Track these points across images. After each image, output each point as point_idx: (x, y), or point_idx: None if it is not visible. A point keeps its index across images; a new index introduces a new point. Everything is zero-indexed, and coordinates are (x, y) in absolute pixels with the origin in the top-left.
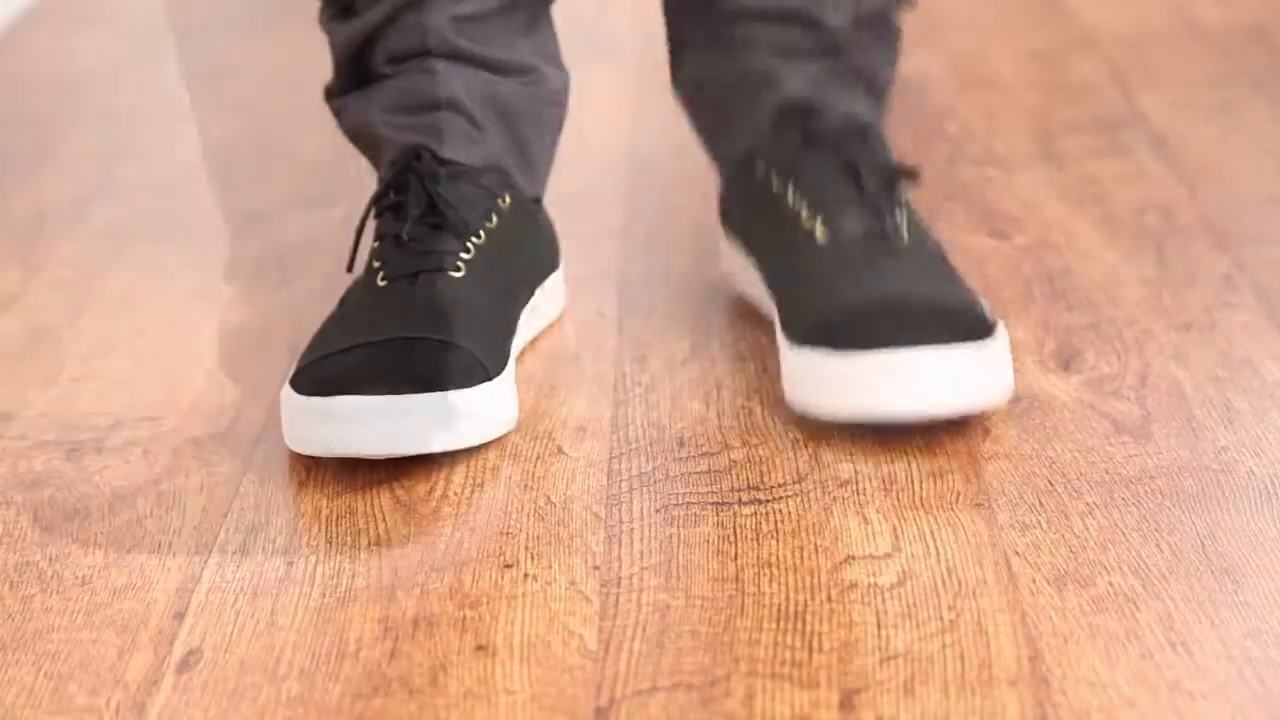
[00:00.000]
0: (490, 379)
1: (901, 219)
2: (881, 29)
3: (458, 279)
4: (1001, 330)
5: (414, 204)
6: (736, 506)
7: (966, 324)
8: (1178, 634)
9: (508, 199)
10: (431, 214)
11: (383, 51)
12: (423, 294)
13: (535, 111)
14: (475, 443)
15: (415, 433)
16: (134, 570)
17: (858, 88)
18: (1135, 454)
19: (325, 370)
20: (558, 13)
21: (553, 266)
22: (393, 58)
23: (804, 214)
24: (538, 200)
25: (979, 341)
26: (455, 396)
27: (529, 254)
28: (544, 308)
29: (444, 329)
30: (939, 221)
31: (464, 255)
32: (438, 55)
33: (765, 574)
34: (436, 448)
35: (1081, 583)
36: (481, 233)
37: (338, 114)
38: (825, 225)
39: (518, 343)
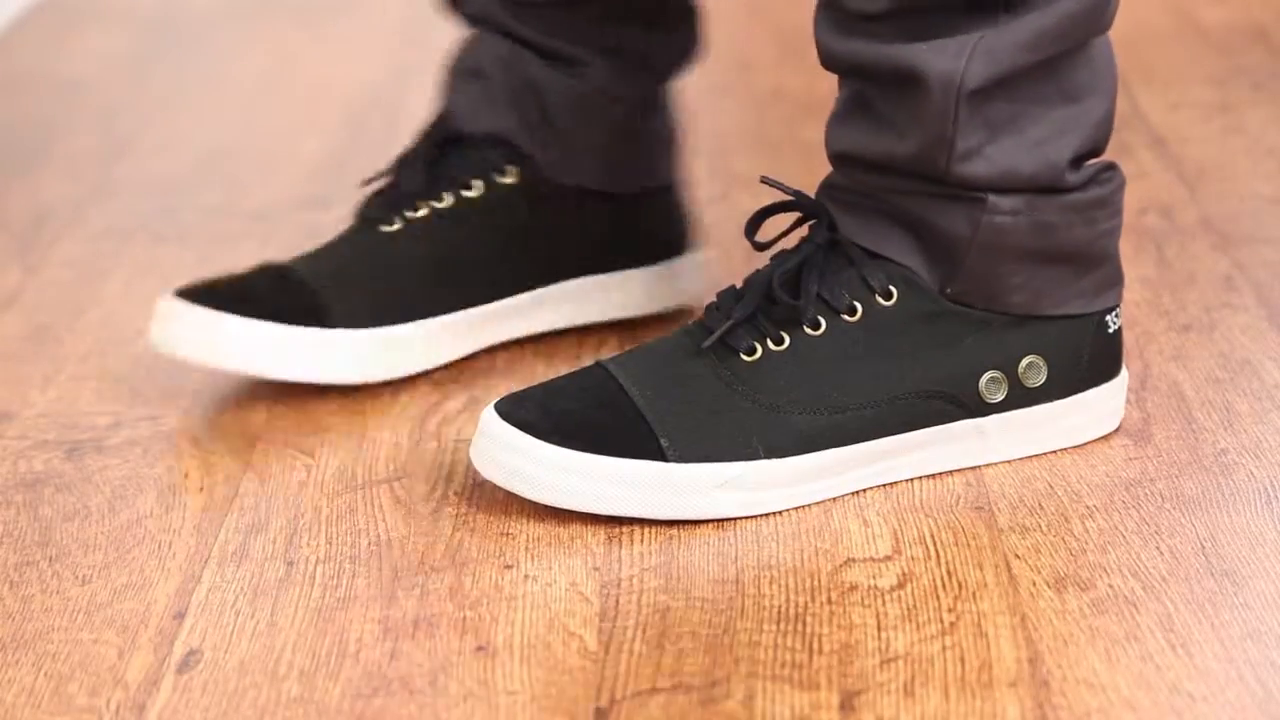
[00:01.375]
0: (325, 326)
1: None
2: None
3: (388, 232)
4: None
5: (411, 160)
6: None
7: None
8: (1177, 636)
9: (511, 175)
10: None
11: (459, 12)
12: (347, 236)
13: (571, 100)
14: (265, 374)
15: (212, 345)
16: (134, 570)
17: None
18: (1135, 456)
19: (219, 286)
20: None
21: (615, 258)
22: (466, 18)
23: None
24: (593, 192)
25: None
26: (271, 329)
27: (535, 238)
28: (601, 298)
29: (317, 273)
30: None
31: (409, 213)
32: (487, 26)
33: (765, 576)
34: (226, 364)
35: (1081, 585)
36: (448, 196)
37: None
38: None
39: (492, 322)
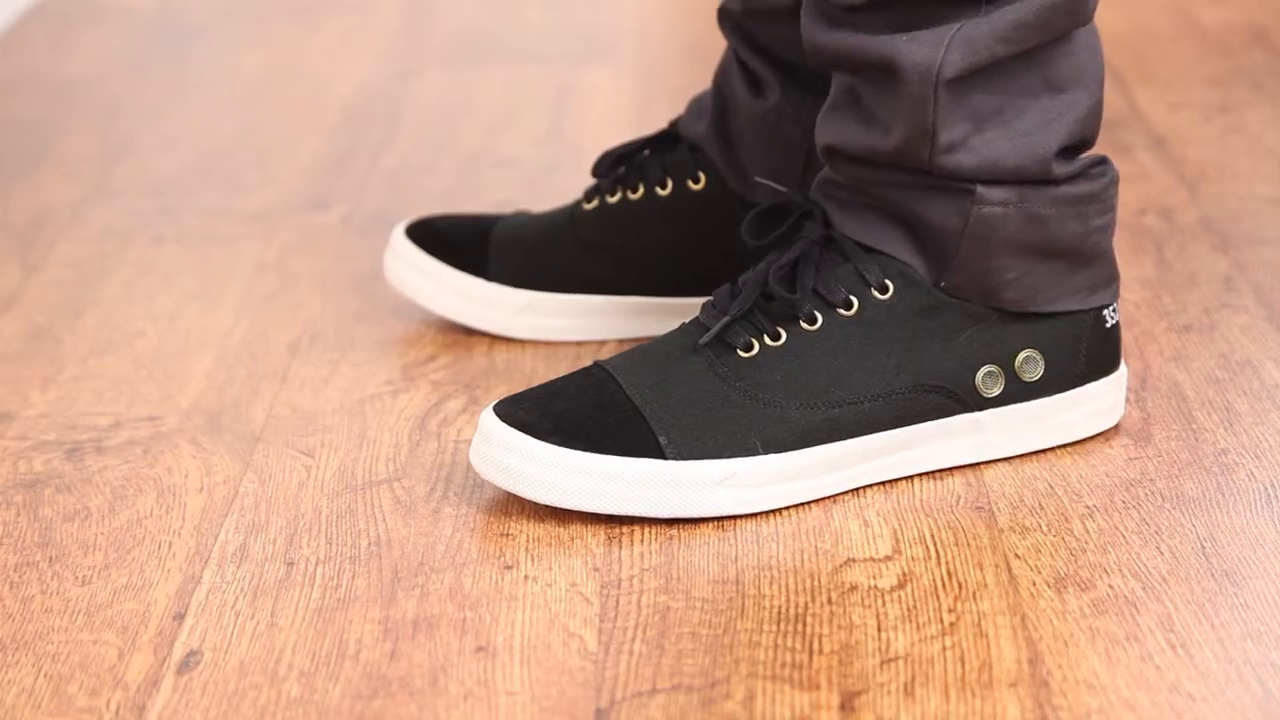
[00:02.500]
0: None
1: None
2: None
3: (584, 209)
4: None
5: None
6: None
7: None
8: (1178, 636)
9: (700, 183)
10: None
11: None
12: (564, 206)
13: (752, 120)
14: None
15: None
16: (134, 571)
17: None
18: (1135, 456)
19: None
20: (558, 13)
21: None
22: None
23: None
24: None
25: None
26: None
27: (707, 245)
28: None
29: (503, 231)
30: None
31: (607, 197)
32: (733, 34)
33: (765, 576)
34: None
35: (1082, 585)
36: (641, 189)
37: None
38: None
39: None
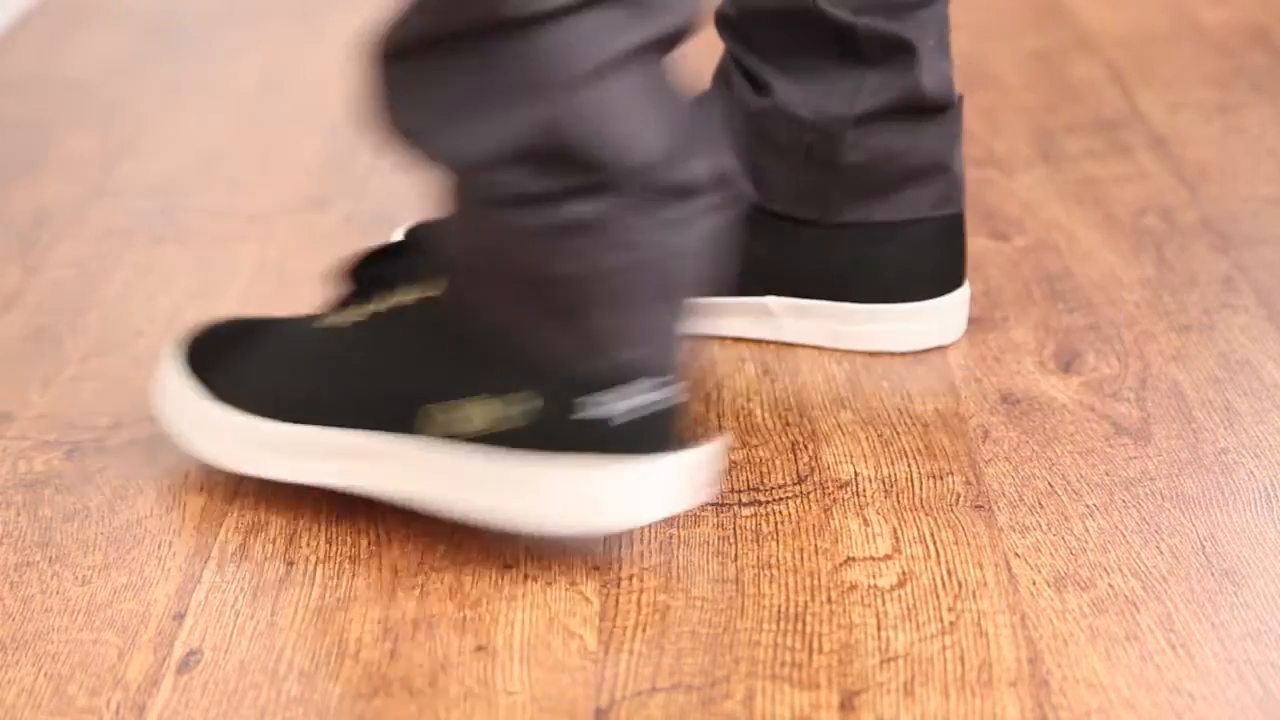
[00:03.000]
0: None
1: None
2: None
3: None
4: None
5: None
6: (736, 508)
7: None
8: (1178, 636)
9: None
10: None
11: None
12: None
13: (748, 120)
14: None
15: None
16: (134, 570)
17: None
18: (1135, 456)
19: None
20: None
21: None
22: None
23: None
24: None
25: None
26: None
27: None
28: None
29: None
30: None
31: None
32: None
33: (765, 575)
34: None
35: (1081, 584)
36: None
37: None
38: None
39: None
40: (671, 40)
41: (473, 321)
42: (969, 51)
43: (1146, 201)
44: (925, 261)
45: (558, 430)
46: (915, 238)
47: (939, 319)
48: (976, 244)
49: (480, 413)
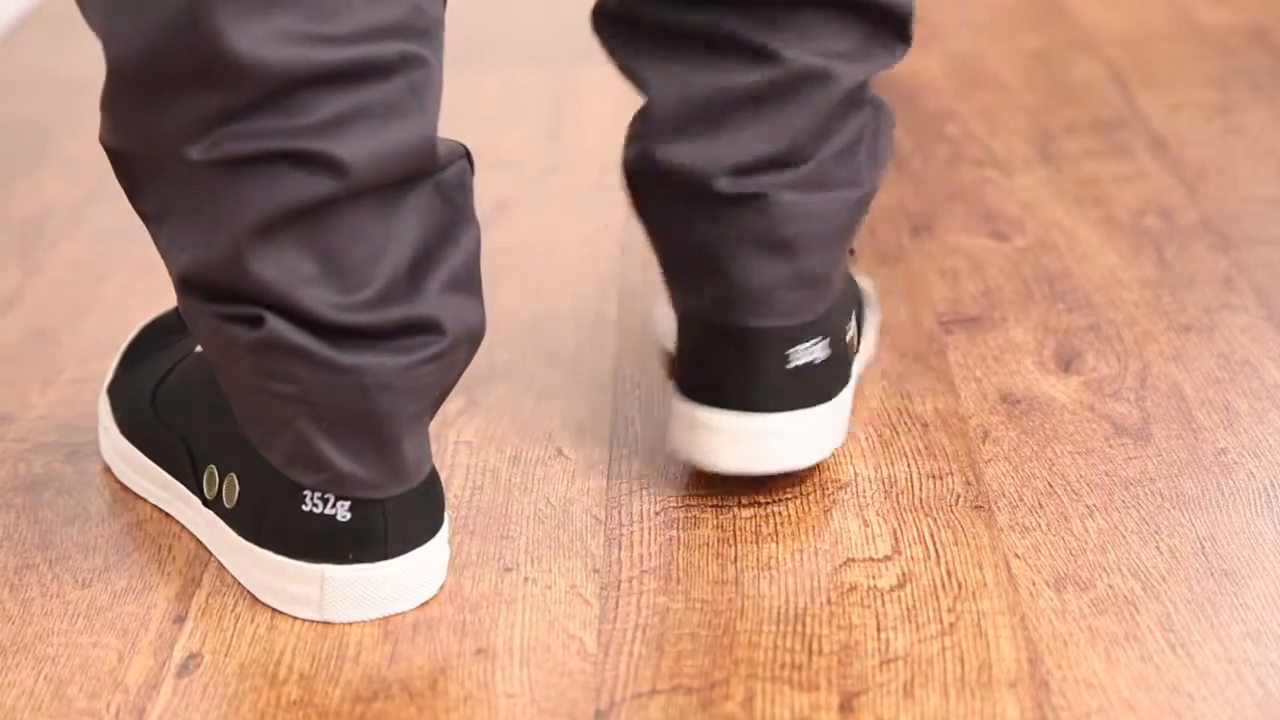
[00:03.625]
0: None
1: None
2: None
3: None
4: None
5: None
6: (736, 509)
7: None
8: (1177, 636)
9: None
10: None
11: None
12: None
13: None
14: None
15: None
16: (134, 574)
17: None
18: (1135, 456)
19: None
20: (558, 13)
21: None
22: None
23: None
24: None
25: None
26: None
27: None
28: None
29: None
30: (939, 222)
31: None
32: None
33: (765, 576)
34: None
35: (1081, 585)
36: None
37: None
38: None
39: None
40: (368, 189)
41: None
42: (969, 52)
43: (1146, 202)
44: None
45: (270, 523)
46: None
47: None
48: (977, 244)
49: (223, 486)
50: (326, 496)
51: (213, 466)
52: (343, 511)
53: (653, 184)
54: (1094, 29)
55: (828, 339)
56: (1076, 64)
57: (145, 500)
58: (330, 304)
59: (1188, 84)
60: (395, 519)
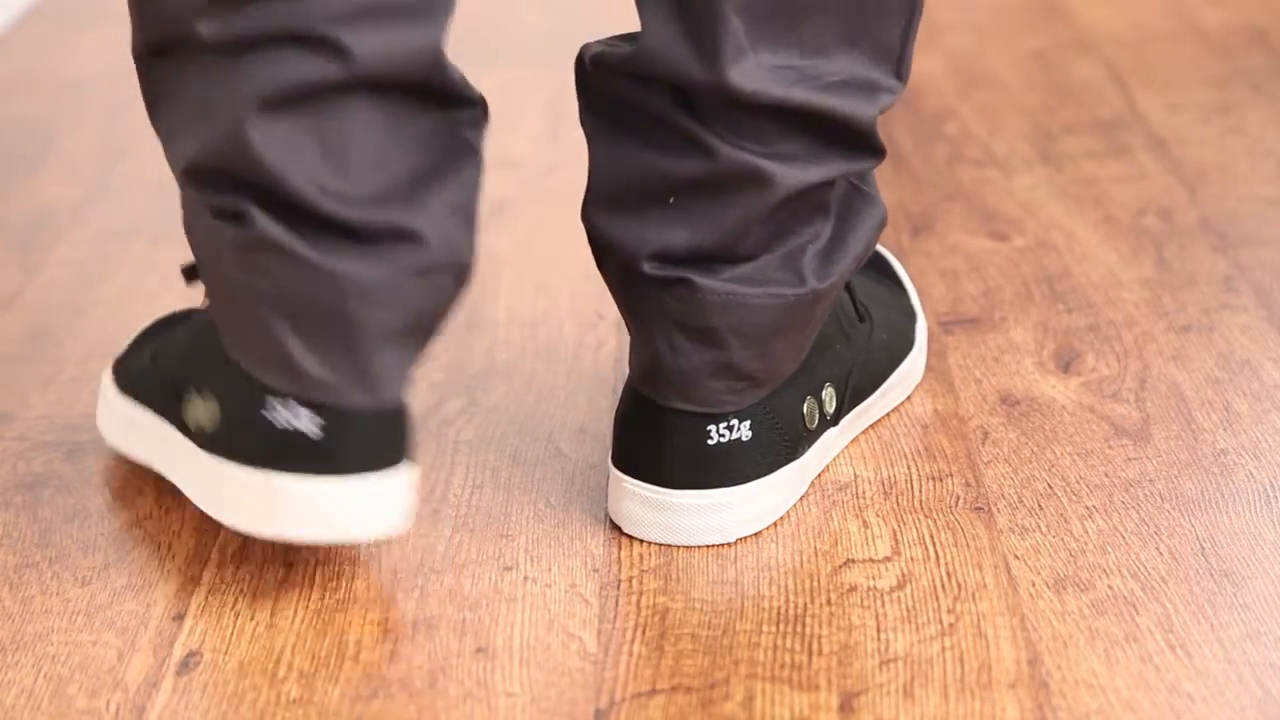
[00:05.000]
0: None
1: None
2: None
3: None
4: None
5: None
6: None
7: None
8: (1177, 637)
9: None
10: None
11: None
12: None
13: None
14: None
15: None
16: (134, 572)
17: None
18: (1134, 457)
19: None
20: (558, 14)
21: None
22: None
23: None
24: None
25: None
26: None
27: None
28: None
29: None
30: (938, 222)
31: None
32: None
33: (765, 577)
34: None
35: (1081, 586)
36: None
37: None
38: None
39: None
40: (373, 84)
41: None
42: (968, 52)
43: (1146, 202)
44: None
45: (239, 439)
46: None
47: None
48: (976, 244)
49: (199, 411)
50: (293, 406)
51: (193, 389)
52: (308, 423)
53: (594, 248)
54: (1094, 29)
55: (750, 421)
56: (1076, 64)
57: (145, 498)
58: (322, 188)
59: (1188, 84)
60: (357, 436)
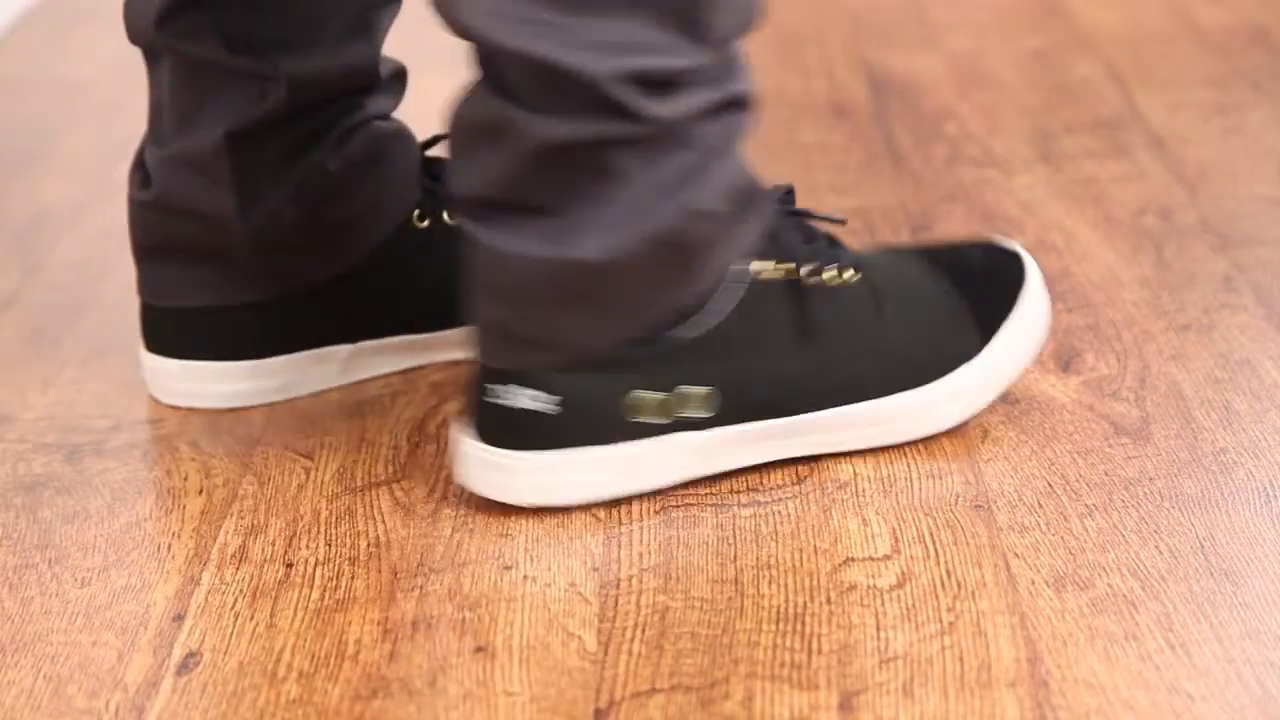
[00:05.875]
0: None
1: None
2: None
3: None
4: None
5: None
6: (736, 508)
7: None
8: (1176, 635)
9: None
10: None
11: None
12: None
13: None
14: None
15: None
16: (133, 572)
17: None
18: (1134, 455)
19: None
20: None
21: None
22: None
23: None
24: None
25: None
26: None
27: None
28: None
29: None
30: (938, 222)
31: None
32: None
33: (764, 576)
34: None
35: (1081, 584)
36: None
37: None
38: None
39: None
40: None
41: None
42: (968, 51)
43: (1146, 201)
44: None
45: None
46: None
47: None
48: None
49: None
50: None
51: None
52: None
53: None
54: (1094, 29)
55: (546, 391)
56: (1076, 64)
57: (144, 498)
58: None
59: (1187, 84)
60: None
